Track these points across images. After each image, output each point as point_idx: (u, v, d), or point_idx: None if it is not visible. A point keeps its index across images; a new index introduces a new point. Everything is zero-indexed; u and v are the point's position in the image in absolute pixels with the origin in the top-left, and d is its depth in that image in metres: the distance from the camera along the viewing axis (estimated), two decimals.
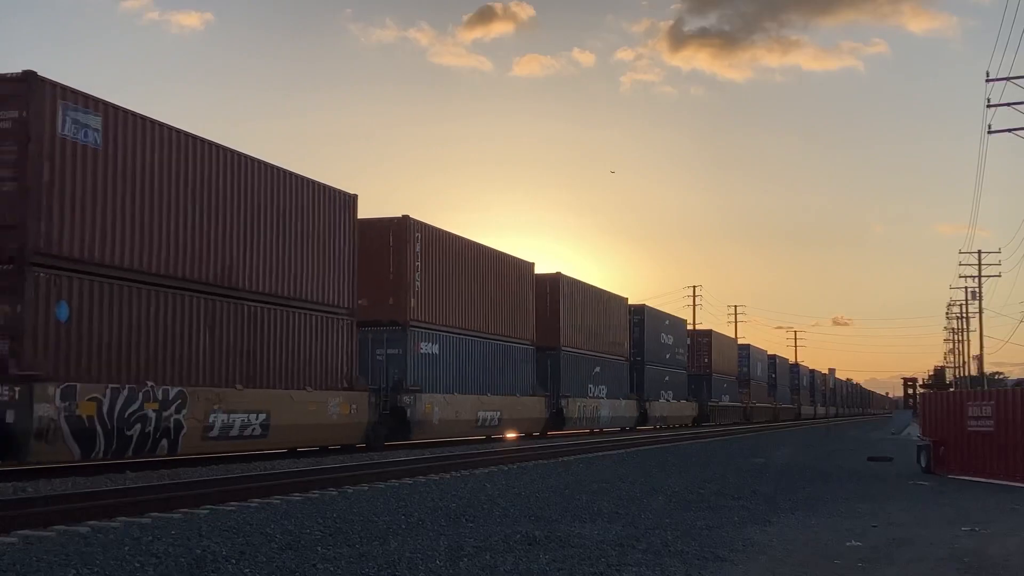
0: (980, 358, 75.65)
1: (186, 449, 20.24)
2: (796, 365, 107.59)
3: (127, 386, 18.71)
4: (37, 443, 16.57)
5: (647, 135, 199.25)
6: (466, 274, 31.88)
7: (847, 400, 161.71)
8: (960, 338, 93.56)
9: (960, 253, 79.08)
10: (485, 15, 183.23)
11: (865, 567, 10.58)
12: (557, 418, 38.11)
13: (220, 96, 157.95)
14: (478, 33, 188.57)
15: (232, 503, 14.15)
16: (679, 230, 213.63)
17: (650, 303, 52.37)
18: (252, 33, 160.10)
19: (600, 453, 28.58)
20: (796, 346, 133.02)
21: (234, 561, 9.55)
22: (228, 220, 22.08)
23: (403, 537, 11.31)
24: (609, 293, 47.84)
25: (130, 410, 18.67)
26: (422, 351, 28.82)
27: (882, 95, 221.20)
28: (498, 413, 32.65)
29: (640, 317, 52.07)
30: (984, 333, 72.35)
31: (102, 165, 18.76)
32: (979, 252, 72.73)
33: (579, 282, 43.18)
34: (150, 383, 19.36)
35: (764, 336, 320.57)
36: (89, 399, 17.73)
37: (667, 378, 55.55)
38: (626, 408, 48.40)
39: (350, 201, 26.58)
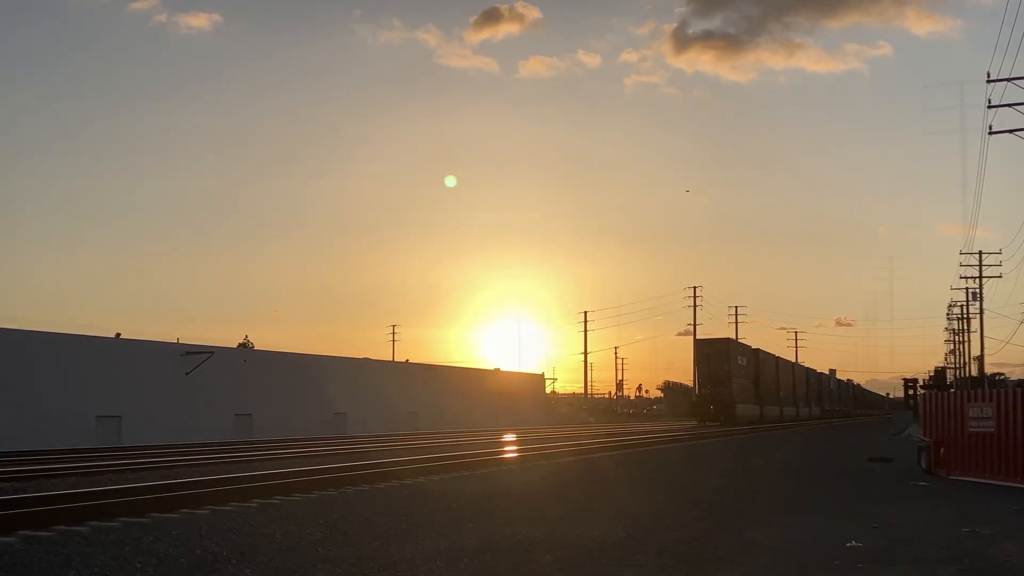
0: (981, 359, 75.59)
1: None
2: (848, 381, 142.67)
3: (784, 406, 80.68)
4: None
5: (650, 136, 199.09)
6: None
7: (852, 401, 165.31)
8: (961, 339, 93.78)
9: (961, 254, 78.99)
10: (491, 17, 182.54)
11: (866, 568, 10.56)
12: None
13: (226, 96, 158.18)
14: (485, 35, 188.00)
15: (233, 503, 14.13)
16: (681, 231, 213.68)
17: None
18: (260, 34, 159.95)
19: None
20: (797, 347, 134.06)
21: (234, 562, 9.54)
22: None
23: (403, 538, 11.30)
24: (788, 362, 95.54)
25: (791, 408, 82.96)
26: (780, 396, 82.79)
27: (885, 97, 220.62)
28: (790, 413, 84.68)
29: (833, 379, 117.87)
30: (985, 334, 72.06)
31: None
32: (980, 253, 72.78)
33: (764, 352, 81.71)
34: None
35: (765, 337, 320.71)
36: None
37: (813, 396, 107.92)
38: (806, 411, 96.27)
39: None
